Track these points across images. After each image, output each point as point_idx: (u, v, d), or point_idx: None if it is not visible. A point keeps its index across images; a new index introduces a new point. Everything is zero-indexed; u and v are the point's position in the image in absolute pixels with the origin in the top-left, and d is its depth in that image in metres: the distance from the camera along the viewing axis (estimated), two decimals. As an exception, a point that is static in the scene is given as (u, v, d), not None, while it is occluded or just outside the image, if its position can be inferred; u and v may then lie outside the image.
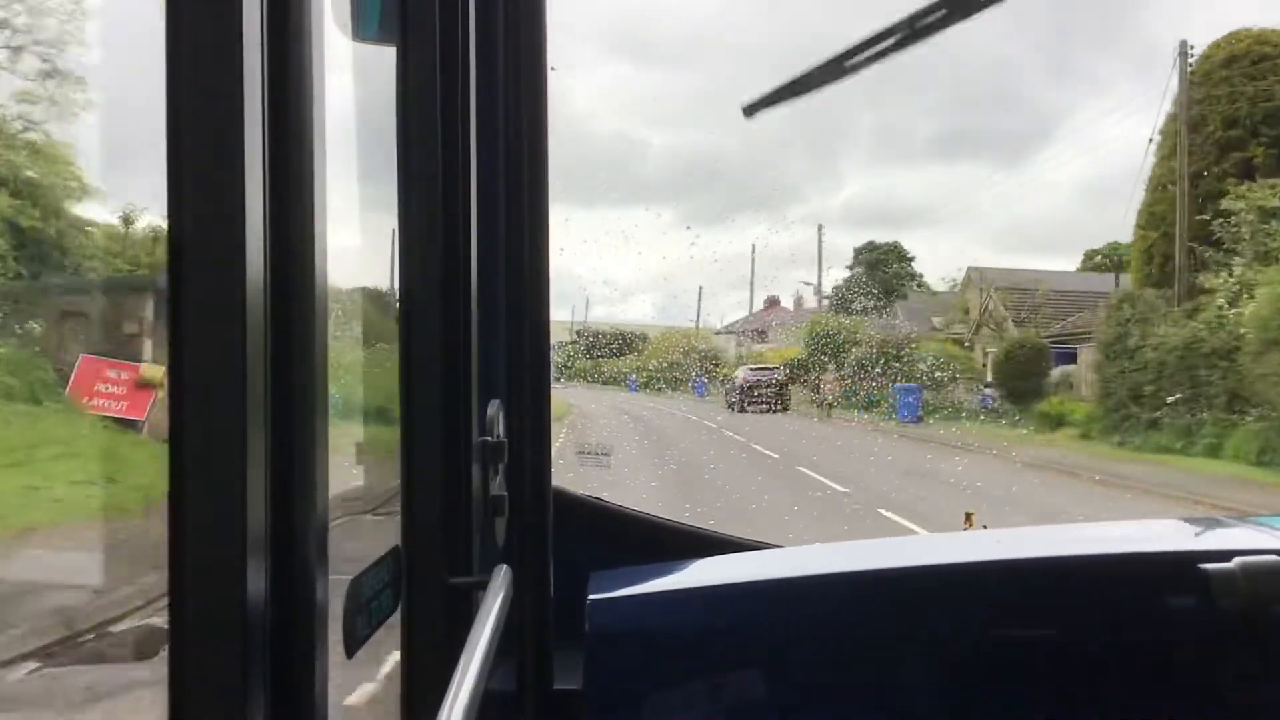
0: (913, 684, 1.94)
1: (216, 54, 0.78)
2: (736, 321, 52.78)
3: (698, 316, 52.56)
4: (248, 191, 0.79)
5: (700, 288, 51.45)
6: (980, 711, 1.91)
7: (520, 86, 1.74)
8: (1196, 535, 2.50)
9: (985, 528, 4.70)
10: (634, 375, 43.94)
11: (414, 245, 1.55)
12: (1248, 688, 1.90)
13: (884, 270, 54.59)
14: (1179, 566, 1.89)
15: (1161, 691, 1.90)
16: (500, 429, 1.80)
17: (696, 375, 40.59)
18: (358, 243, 1.76)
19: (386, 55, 1.54)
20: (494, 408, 1.78)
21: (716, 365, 42.35)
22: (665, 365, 40.96)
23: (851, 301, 47.31)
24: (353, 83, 1.55)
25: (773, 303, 57.42)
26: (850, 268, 53.87)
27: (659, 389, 39.87)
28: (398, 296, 1.57)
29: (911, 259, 58.71)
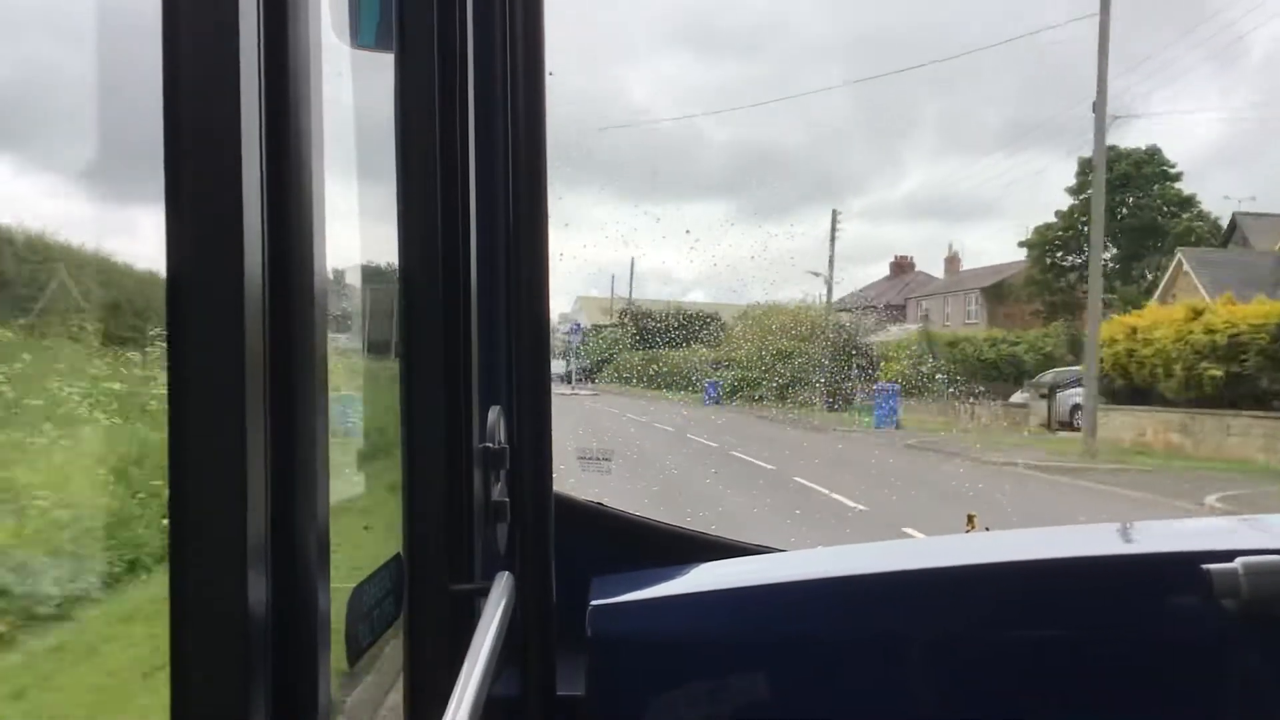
0: (915, 686, 1.93)
1: (213, 62, 0.78)
2: (845, 298, 37.76)
3: (829, 285, 34.64)
4: (245, 198, 0.79)
5: (834, 214, 34.73)
6: (982, 713, 1.90)
7: (519, 92, 1.74)
8: (1198, 535, 2.49)
9: (987, 529, 4.69)
10: (713, 379, 27.34)
11: (414, 252, 1.55)
12: (1250, 687, 1.90)
13: (1141, 195, 34.56)
14: (1181, 566, 1.88)
15: (1164, 691, 1.89)
16: (501, 435, 1.80)
17: (858, 376, 23.23)
18: (357, 249, 1.76)
19: (385, 63, 1.54)
20: (495, 414, 1.78)
21: (868, 358, 25.09)
22: (770, 357, 24.52)
23: (1061, 257, 30.50)
24: (351, 91, 1.56)
25: (903, 267, 42.31)
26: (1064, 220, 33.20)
27: (757, 398, 23.09)
28: (398, 303, 1.57)
29: (1178, 175, 35.75)
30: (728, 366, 26.72)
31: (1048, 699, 1.89)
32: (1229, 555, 1.84)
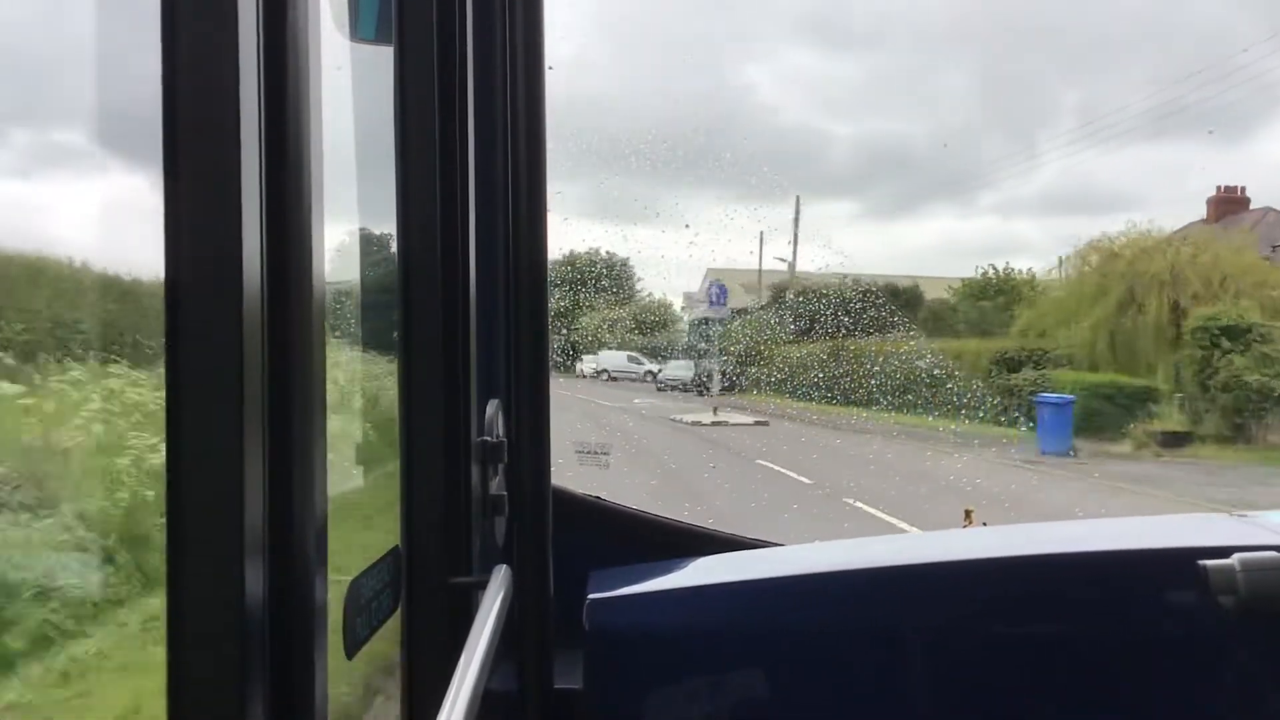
0: (913, 680, 1.94)
1: (213, 55, 0.78)
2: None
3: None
4: (244, 192, 0.79)
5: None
6: (980, 708, 1.91)
7: (519, 86, 1.74)
8: (1195, 531, 2.50)
9: (984, 524, 4.70)
10: (1055, 391, 16.24)
11: (413, 246, 1.55)
12: (1247, 683, 1.90)
13: None
14: (1178, 562, 1.89)
15: (1161, 687, 1.90)
16: (499, 429, 1.80)
17: None
18: (356, 243, 1.76)
19: (385, 56, 1.54)
20: (493, 407, 1.78)
21: None
22: (1205, 336, 14.62)
23: None
24: (351, 83, 1.55)
25: (1233, 203, 26.69)
26: None
27: (1204, 436, 13.57)
28: (397, 296, 1.57)
29: None
30: (1045, 361, 14.53)
31: (1044, 694, 1.90)
32: (1226, 551, 1.84)
